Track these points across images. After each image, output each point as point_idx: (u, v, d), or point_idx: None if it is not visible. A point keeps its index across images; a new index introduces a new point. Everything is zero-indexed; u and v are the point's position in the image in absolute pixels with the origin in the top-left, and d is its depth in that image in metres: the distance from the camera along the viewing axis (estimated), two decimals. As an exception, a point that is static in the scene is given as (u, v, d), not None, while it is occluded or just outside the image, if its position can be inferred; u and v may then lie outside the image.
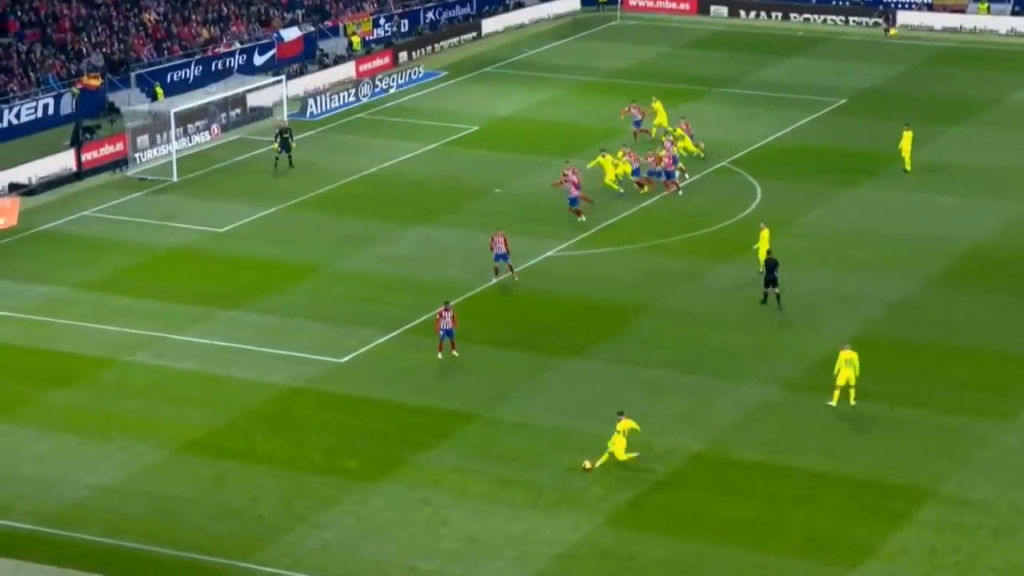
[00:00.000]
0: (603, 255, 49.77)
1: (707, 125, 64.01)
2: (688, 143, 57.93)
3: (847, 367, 38.55)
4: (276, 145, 58.04)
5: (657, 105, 61.48)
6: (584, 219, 51.78)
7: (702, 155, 57.98)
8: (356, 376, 41.23)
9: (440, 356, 41.59)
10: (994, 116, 65.08)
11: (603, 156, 54.80)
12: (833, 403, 38.88)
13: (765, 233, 46.95)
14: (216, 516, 34.42)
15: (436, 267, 48.60)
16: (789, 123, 64.33)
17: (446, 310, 41.63)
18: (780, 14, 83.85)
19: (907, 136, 57.06)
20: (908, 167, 56.99)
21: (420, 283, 47.31)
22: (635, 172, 54.41)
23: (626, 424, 35.81)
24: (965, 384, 40.35)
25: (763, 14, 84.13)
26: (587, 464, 35.46)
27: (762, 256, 46.03)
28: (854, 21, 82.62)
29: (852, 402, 38.88)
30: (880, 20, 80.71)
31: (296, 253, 50.32)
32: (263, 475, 35.99)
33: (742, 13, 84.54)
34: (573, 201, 51.83)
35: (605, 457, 35.59)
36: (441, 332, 41.45)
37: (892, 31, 79.90)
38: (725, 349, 42.57)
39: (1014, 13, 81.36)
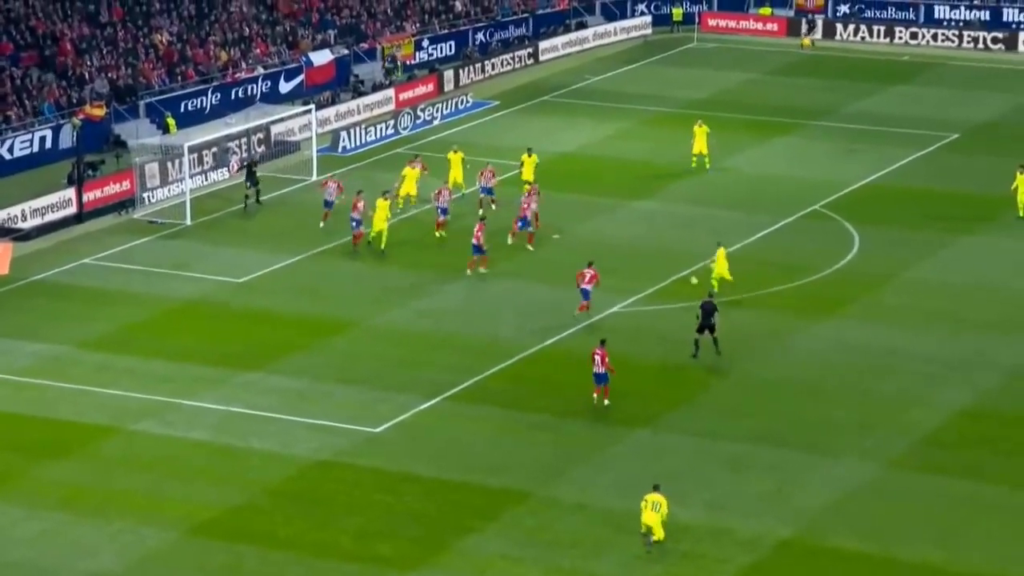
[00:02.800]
0: (677, 311, 49.72)
1: (799, 163, 64.06)
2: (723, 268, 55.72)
3: None
4: (245, 181, 58.64)
5: (700, 130, 62.14)
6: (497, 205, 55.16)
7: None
8: (392, 448, 41.29)
9: (595, 400, 42.96)
10: None
11: (454, 152, 58.94)
12: None
13: (721, 252, 49.23)
14: (231, 608, 34.51)
15: (484, 323, 48.69)
16: (893, 161, 64.23)
17: (599, 350, 42.51)
18: (883, 29, 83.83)
19: (1021, 179, 56.90)
20: (1023, 213, 56.86)
21: (466, 342, 47.38)
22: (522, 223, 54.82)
23: (653, 498, 35.93)
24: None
25: (863, 33, 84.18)
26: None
27: (717, 277, 49.17)
28: (969, 39, 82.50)
29: None
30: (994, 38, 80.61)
31: (325, 307, 50.57)
32: (285, 562, 36.05)
33: (839, 31, 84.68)
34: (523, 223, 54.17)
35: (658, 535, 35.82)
36: (594, 376, 42.70)
37: (805, 40, 79.94)
38: (818, 420, 42.37)
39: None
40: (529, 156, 59.74)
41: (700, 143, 62.08)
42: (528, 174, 59.02)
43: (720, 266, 49.77)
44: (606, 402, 43.01)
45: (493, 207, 57.09)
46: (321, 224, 55.96)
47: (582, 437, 41.70)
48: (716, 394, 44.07)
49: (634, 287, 51.35)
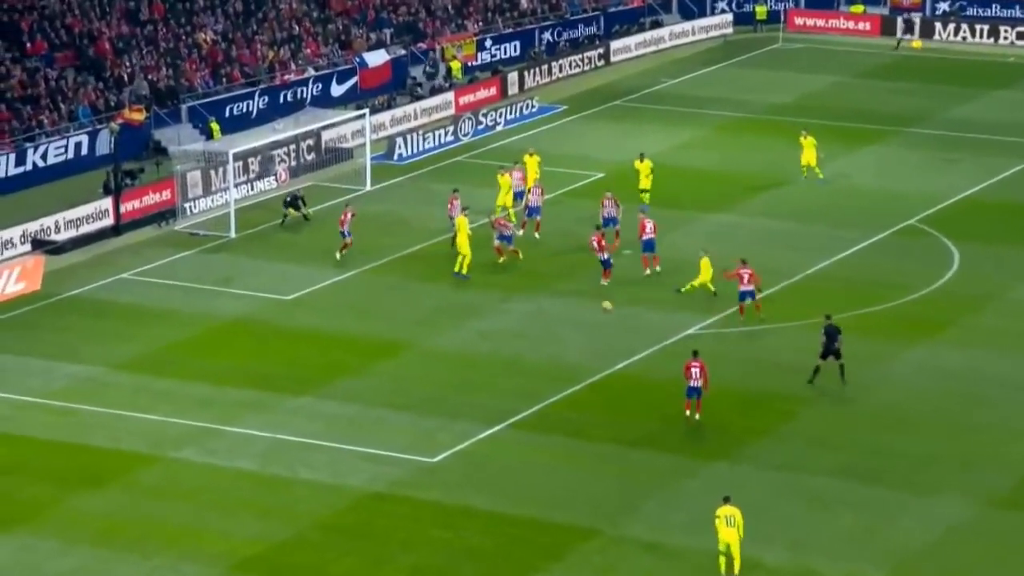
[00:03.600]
0: (758, 333, 49.62)
1: (891, 174, 63.86)
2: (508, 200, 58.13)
3: None
4: (291, 209, 59.02)
5: (806, 141, 61.88)
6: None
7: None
8: (450, 480, 41.36)
9: (688, 415, 43.67)
10: None
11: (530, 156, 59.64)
12: None
13: (705, 262, 50.60)
14: (276, 651, 34.64)
15: (548, 345, 48.72)
16: (995, 172, 63.96)
17: (695, 362, 43.04)
18: (986, 28, 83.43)
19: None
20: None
21: (529, 365, 47.42)
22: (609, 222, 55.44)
23: (726, 511, 36.25)
24: None
25: (964, 32, 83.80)
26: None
27: (703, 283, 50.80)
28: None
29: None
30: None
31: (378, 327, 50.73)
32: (335, 601, 36.22)
33: (938, 30, 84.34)
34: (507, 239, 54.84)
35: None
36: (687, 389, 43.34)
37: (916, 42, 79.36)
38: (913, 454, 42.20)
39: None
40: (531, 156, 60.66)
41: (808, 155, 61.85)
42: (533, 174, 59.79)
43: (704, 275, 50.94)
44: (697, 416, 43.40)
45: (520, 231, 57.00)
46: (338, 256, 55.61)
47: (653, 469, 41.66)
48: (801, 424, 43.92)
49: (711, 307, 51.25)
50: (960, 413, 44.27)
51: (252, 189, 62.83)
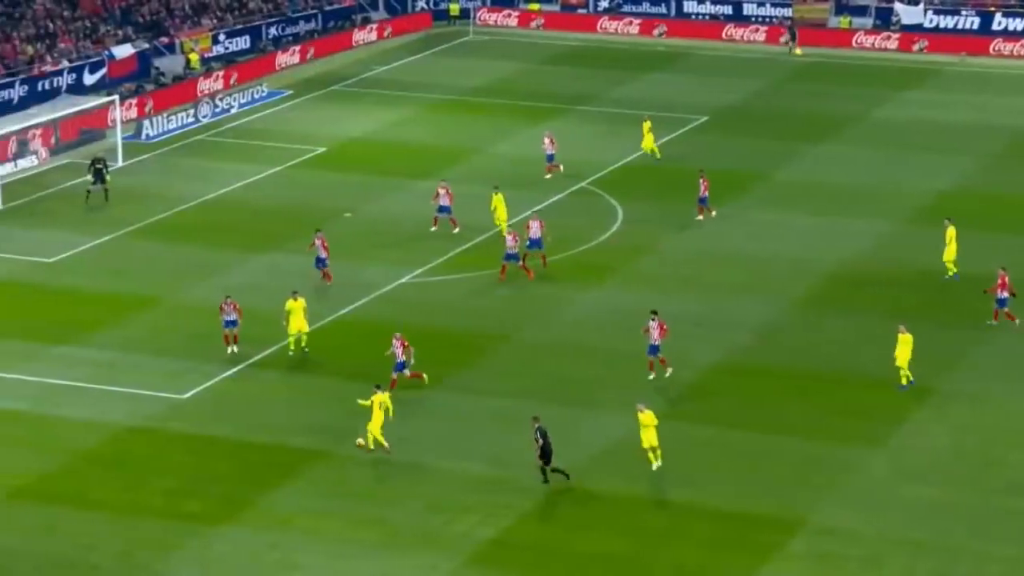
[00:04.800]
0: (457, 282, 50.02)
1: (566, 144, 64.72)
2: (502, 213, 52.89)
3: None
4: (89, 176, 57.22)
5: (646, 125, 61.95)
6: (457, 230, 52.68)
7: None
8: (198, 413, 40.93)
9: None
10: (856, 133, 66.79)
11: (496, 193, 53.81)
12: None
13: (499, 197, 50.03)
14: (47, 567, 33.89)
15: (283, 297, 48.37)
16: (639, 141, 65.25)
17: (396, 339, 41.49)
18: (639, 23, 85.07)
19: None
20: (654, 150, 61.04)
21: (267, 314, 47.06)
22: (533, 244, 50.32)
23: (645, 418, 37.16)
24: (830, 410, 41.30)
25: (623, 25, 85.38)
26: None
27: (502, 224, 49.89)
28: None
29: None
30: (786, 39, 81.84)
31: (132, 284, 49.80)
32: (98, 521, 35.55)
33: (601, 24, 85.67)
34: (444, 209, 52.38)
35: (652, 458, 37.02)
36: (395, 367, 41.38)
37: (795, 49, 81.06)
38: (586, 378, 42.97)
39: (875, 27, 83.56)
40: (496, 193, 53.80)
41: (648, 140, 61.81)
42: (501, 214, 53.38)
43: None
44: (669, 371, 42.56)
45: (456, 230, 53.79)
46: (328, 283, 49.04)
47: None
48: (495, 357, 44.42)
49: (419, 260, 51.47)
50: (625, 344, 45.19)
51: (16, 167, 60.96)
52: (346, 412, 40.74)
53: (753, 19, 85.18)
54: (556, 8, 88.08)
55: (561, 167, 59.87)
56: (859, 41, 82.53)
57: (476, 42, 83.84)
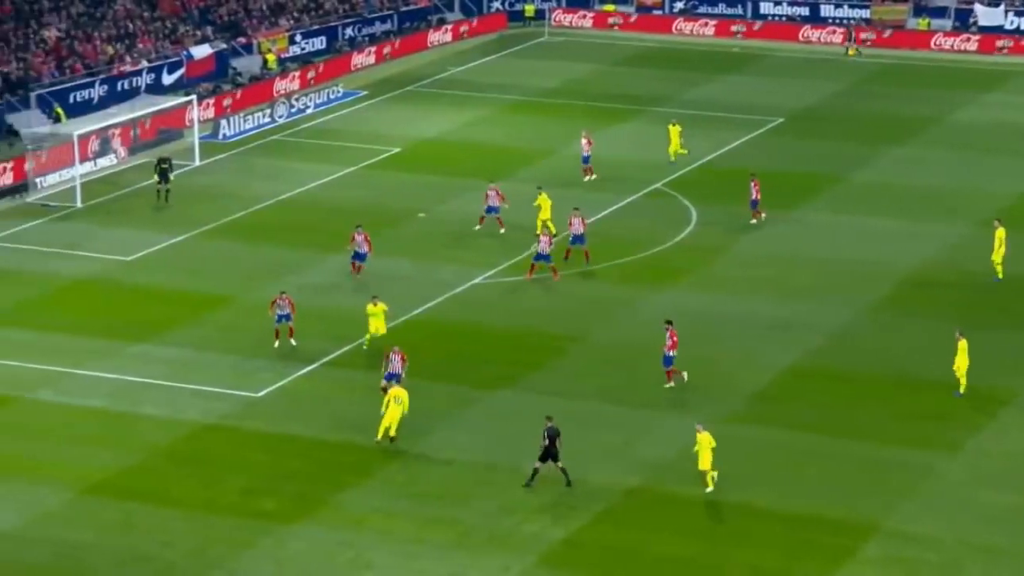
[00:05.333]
0: (533, 282, 49.98)
1: (640, 146, 64.59)
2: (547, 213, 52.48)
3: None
4: (156, 177, 57.58)
5: (676, 130, 61.54)
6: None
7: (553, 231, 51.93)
8: (273, 412, 41.15)
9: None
10: (935, 135, 66.14)
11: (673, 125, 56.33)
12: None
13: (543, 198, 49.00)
14: (124, 563, 34.19)
15: (356, 296, 48.58)
16: (725, 144, 65.01)
17: (394, 352, 41.19)
18: (715, 24, 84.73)
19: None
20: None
21: (339, 313, 47.28)
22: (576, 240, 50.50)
23: (703, 438, 36.46)
24: (905, 414, 40.91)
25: (699, 27, 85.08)
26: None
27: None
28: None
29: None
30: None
31: (208, 283, 50.15)
32: (174, 518, 35.82)
33: (676, 25, 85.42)
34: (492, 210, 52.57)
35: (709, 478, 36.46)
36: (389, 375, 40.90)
37: (851, 50, 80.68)
38: (660, 380, 42.76)
39: (955, 29, 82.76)
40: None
41: (675, 142, 61.53)
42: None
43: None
44: (685, 376, 42.00)
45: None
46: (357, 275, 49.41)
47: (446, 398, 41.83)
48: (569, 358, 44.37)
49: (492, 261, 51.51)
50: (699, 346, 45.02)
51: (95, 166, 61.59)
52: (419, 412, 40.81)
53: (830, 20, 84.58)
54: (631, 9, 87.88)
55: (594, 175, 58.82)
56: (938, 43, 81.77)
57: (551, 43, 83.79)
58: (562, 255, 50.41)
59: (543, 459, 36.78)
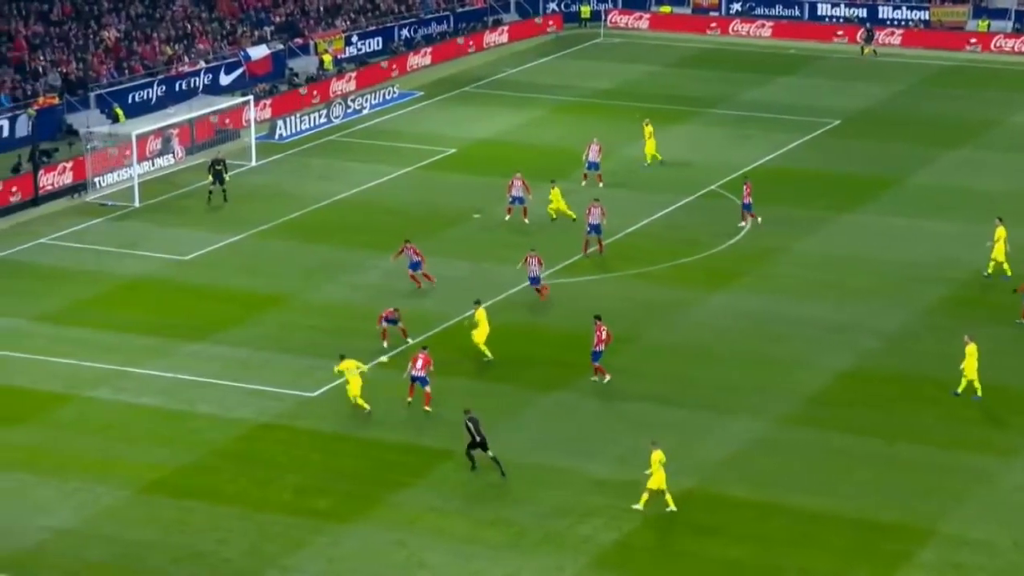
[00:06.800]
0: (586, 284, 49.94)
1: (696, 147, 64.48)
2: (561, 204, 54.03)
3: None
4: (210, 177, 57.84)
5: (649, 130, 61.62)
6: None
7: (573, 217, 53.75)
8: (328, 411, 41.26)
9: (409, 400, 41.34)
10: (994, 138, 65.57)
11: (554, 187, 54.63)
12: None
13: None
14: (180, 560, 34.38)
15: (411, 297, 48.68)
16: (782, 145, 64.72)
17: (422, 353, 41.30)
18: (771, 31, 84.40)
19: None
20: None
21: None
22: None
23: (657, 456, 35.76)
24: (963, 419, 40.57)
25: (754, 28, 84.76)
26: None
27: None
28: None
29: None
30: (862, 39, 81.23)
31: (264, 283, 50.36)
32: (230, 516, 35.98)
33: (733, 26, 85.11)
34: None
35: (644, 497, 35.69)
36: (412, 376, 41.03)
37: (867, 49, 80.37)
38: (714, 383, 42.73)
39: (1015, 30, 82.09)
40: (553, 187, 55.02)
41: (651, 144, 61.41)
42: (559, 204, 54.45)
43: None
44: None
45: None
46: (420, 286, 48.47)
47: (500, 399, 41.82)
48: (621, 359, 44.28)
49: (547, 262, 51.40)
50: (754, 347, 44.91)
51: (153, 165, 61.98)
52: (474, 411, 40.80)
53: (888, 22, 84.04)
54: (687, 11, 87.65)
55: (601, 184, 58.29)
56: (998, 45, 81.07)
57: (607, 44, 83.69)
58: (581, 247, 50.79)
59: (472, 447, 37.28)
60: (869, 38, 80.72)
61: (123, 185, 59.53)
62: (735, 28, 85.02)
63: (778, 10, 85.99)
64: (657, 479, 35.58)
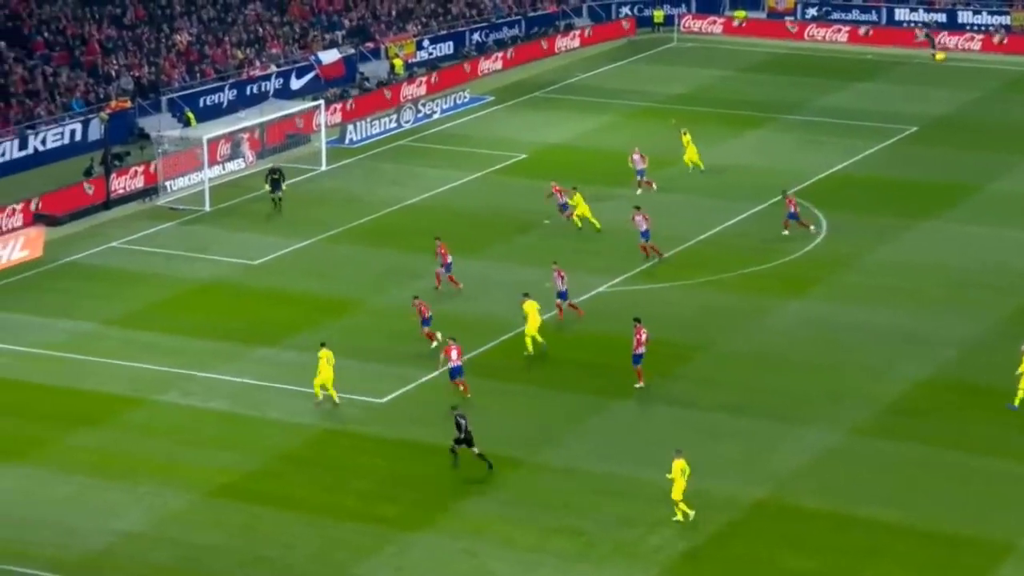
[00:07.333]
0: (657, 291, 49.64)
1: (769, 153, 64.00)
2: (586, 210, 53.78)
3: None
4: (267, 186, 57.89)
5: (687, 138, 61.18)
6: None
7: (598, 227, 53.89)
8: (395, 417, 41.21)
9: (467, 395, 41.64)
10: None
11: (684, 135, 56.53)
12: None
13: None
14: (247, 565, 34.40)
15: (481, 303, 48.56)
16: (857, 152, 64.12)
17: (454, 344, 41.64)
18: (847, 35, 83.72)
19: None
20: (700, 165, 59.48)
21: (463, 320, 47.26)
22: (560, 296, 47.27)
23: (678, 464, 35.51)
24: (1045, 430, 39.96)
25: (830, 33, 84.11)
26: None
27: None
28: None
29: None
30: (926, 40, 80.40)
31: (333, 287, 50.43)
32: (296, 522, 35.99)
33: (808, 31, 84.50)
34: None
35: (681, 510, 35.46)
36: (452, 368, 41.45)
37: (939, 55, 79.49)
38: (787, 392, 42.31)
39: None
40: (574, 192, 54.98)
41: (691, 151, 61.14)
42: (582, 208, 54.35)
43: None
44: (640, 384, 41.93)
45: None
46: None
47: (569, 407, 41.62)
48: (693, 368, 43.96)
49: (617, 268, 51.23)
50: (828, 356, 44.45)
51: (224, 169, 62.28)
52: (541, 420, 40.67)
53: (968, 27, 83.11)
54: (762, 15, 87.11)
55: (654, 185, 58.36)
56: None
57: (680, 49, 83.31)
58: (640, 253, 50.88)
59: (458, 443, 37.83)
60: (932, 42, 79.80)
61: (194, 189, 59.84)
62: (811, 33, 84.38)
63: (855, 15, 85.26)
64: (677, 488, 35.21)
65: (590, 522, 35.77)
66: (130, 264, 52.92)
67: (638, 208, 52.22)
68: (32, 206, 56.45)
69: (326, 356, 41.46)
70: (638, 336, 42.10)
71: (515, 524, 35.79)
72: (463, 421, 37.98)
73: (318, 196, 59.28)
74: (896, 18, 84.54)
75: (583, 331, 46.15)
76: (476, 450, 37.90)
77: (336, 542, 35.13)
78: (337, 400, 41.43)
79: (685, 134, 61.47)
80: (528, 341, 44.39)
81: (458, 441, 38.00)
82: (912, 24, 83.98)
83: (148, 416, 41.44)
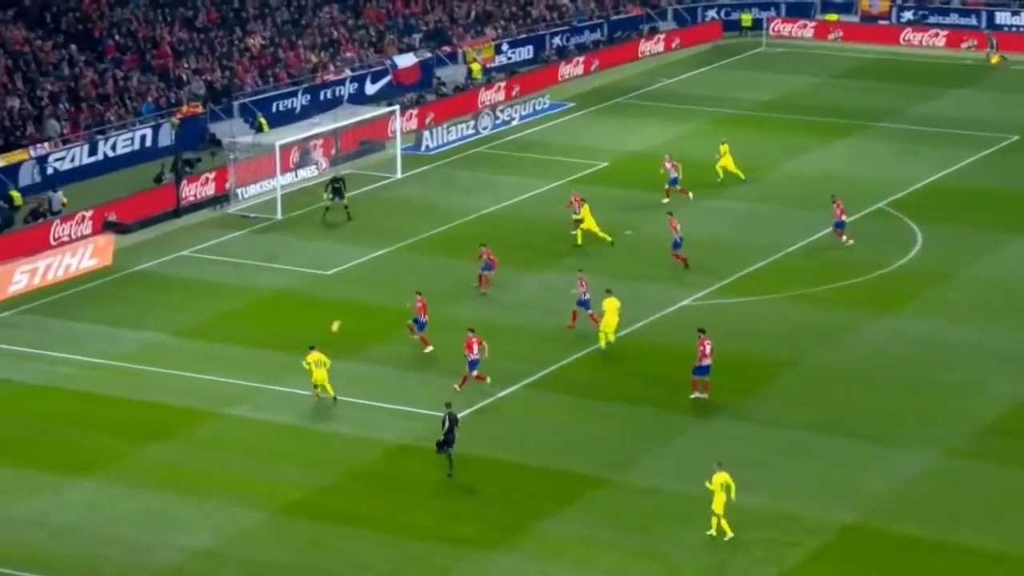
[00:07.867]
0: (743, 304, 49.50)
1: (862, 163, 63.63)
2: (593, 224, 53.76)
3: None
4: (327, 194, 58.02)
5: (725, 147, 60.88)
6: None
7: (609, 240, 54.14)
8: (471, 434, 41.27)
9: (458, 389, 42.63)
10: None
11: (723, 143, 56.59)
12: None
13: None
14: (318, 584, 34.66)
15: (558, 316, 48.62)
16: (955, 162, 63.63)
17: (474, 337, 42.86)
18: (945, 35, 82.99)
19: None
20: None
21: (541, 333, 47.35)
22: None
23: (720, 478, 35.55)
24: None
25: (927, 38, 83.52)
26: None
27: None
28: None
29: None
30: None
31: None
32: (369, 540, 36.18)
33: (903, 36, 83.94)
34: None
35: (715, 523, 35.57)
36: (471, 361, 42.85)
37: (994, 58, 78.72)
38: (879, 411, 42.06)
39: None
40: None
41: (726, 160, 60.87)
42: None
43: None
44: (695, 395, 42.45)
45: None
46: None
47: (651, 425, 41.60)
48: (781, 385, 43.81)
49: (702, 281, 51.13)
50: (922, 374, 44.15)
51: (296, 176, 62.75)
52: (625, 438, 40.67)
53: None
54: (855, 19, 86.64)
55: (690, 194, 58.19)
56: None
57: (768, 54, 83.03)
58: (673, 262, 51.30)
59: (445, 445, 38.58)
60: (992, 45, 79.03)
61: (266, 197, 60.33)
62: (906, 37, 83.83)
63: (953, 19, 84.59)
64: (718, 501, 35.19)
65: (674, 545, 35.71)
66: (200, 273, 53.44)
67: (670, 214, 52.43)
68: (103, 214, 57.14)
69: (315, 359, 42.40)
70: (702, 347, 42.10)
71: (596, 546, 35.81)
72: (449, 422, 38.62)
73: (392, 204, 59.59)
74: (997, 22, 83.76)
75: (666, 345, 46.10)
76: (451, 451, 38.73)
77: (410, 561, 35.30)
78: (334, 396, 42.63)
79: (724, 143, 61.14)
80: (601, 336, 44.63)
81: (440, 441, 38.51)
82: (1014, 28, 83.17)
83: (218, 430, 41.83)
